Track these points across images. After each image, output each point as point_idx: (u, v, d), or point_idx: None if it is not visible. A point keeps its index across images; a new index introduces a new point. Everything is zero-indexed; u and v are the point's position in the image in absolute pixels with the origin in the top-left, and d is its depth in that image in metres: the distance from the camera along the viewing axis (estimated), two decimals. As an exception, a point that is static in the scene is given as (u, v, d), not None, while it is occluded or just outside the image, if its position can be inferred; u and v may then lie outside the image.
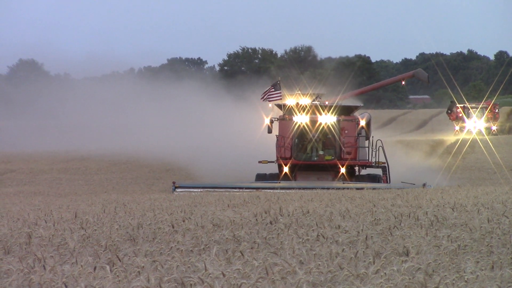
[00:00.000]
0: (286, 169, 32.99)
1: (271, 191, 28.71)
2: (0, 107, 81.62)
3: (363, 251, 10.31)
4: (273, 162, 33.48)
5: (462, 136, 74.45)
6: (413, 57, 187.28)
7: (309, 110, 33.60)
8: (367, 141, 34.09)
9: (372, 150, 33.81)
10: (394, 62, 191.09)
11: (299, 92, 34.50)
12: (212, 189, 30.09)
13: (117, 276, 8.99)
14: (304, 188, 29.21)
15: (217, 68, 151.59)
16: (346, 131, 33.43)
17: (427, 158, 53.08)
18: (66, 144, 66.79)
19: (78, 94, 75.51)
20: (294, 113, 33.57)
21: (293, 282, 8.59)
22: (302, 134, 33.57)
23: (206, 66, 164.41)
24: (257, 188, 30.09)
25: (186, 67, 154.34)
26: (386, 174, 34.14)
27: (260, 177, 33.28)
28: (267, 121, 33.48)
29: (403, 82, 41.81)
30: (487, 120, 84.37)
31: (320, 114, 33.55)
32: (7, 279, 8.91)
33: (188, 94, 62.07)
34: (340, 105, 33.82)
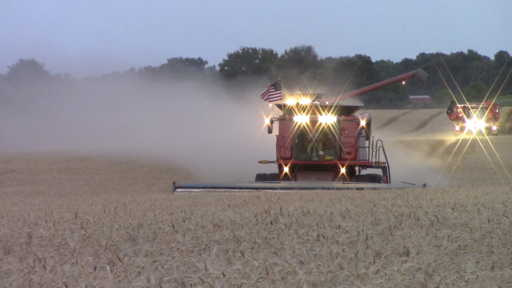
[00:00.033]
0: (286, 169, 32.98)
1: (271, 191, 28.70)
2: (0, 107, 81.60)
3: (364, 251, 10.31)
4: (273, 162, 33.47)
5: (462, 136, 74.47)
6: (414, 57, 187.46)
7: (309, 110, 33.59)
8: (367, 141, 34.08)
9: (372, 150, 33.80)
10: (395, 62, 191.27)
11: (299, 92, 34.49)
12: (212, 189, 30.08)
13: (118, 276, 8.99)
14: (304, 188, 29.20)
15: (218, 68, 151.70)
16: (346, 131, 33.42)
17: (427, 158, 53.08)
18: (66, 144, 66.82)
19: (78, 94, 75.51)
20: (294, 113, 33.57)
21: (294, 282, 8.59)
22: (302, 134, 33.56)
23: (206, 66, 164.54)
24: (257, 188, 30.08)
25: (186, 67, 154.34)
26: (386, 174, 34.13)
27: (260, 177, 33.27)
28: (267, 121, 33.48)
29: (403, 82, 41.79)
30: (487, 120, 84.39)
31: (320, 114, 33.54)
32: (8, 279, 8.91)
33: (188, 94, 62.06)
34: (340, 105, 33.81)
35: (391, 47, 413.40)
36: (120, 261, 9.99)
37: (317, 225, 13.42)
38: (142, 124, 63.21)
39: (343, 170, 32.81)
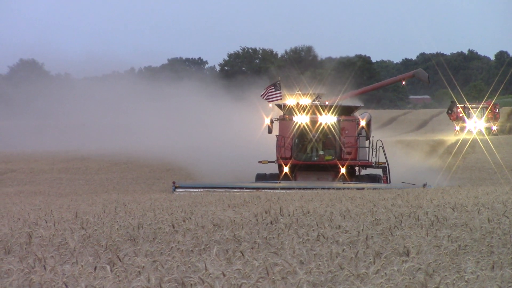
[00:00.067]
0: (286, 169, 32.98)
1: (272, 191, 28.70)
2: (0, 107, 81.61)
3: (364, 251, 10.31)
4: (273, 162, 33.47)
5: (462, 136, 74.46)
6: (414, 57, 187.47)
7: (309, 110, 33.59)
8: (367, 141, 34.08)
9: (372, 150, 33.80)
10: (395, 62, 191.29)
11: (299, 92, 34.49)
12: (212, 189, 30.08)
13: (118, 276, 9.00)
14: (304, 188, 29.20)
15: (218, 68, 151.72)
16: (346, 131, 33.42)
17: (428, 158, 53.08)
18: (67, 144, 66.82)
19: (78, 94, 75.47)
20: (294, 113, 33.57)
21: (294, 282, 8.59)
22: (302, 134, 33.57)
23: (206, 66, 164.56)
24: (257, 188, 30.08)
25: (186, 67, 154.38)
26: (387, 174, 34.13)
27: (260, 177, 33.27)
28: (267, 121, 33.48)
29: (404, 82, 41.79)
30: (488, 120, 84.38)
31: (320, 114, 33.54)
32: (8, 279, 8.91)
33: (188, 94, 62.08)
34: (340, 105, 33.81)
35: (391, 47, 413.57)
36: (120, 261, 9.99)
37: (317, 225, 13.42)
38: (142, 124, 63.19)
39: (343, 170, 32.80)
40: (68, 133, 72.73)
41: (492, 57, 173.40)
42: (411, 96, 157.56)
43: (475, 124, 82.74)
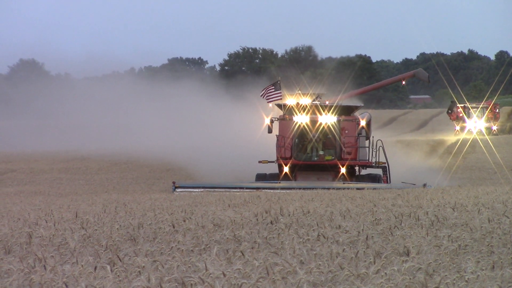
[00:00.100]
0: (286, 169, 32.97)
1: (272, 191, 28.70)
2: (1, 107, 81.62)
3: (364, 251, 10.31)
4: (273, 162, 33.47)
5: (462, 136, 74.45)
6: (414, 57, 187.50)
7: (309, 110, 33.59)
8: (368, 141, 34.08)
9: (372, 150, 33.80)
10: (395, 62, 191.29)
11: (300, 92, 34.48)
12: (212, 189, 30.08)
13: (118, 276, 9.00)
14: (304, 188, 29.19)
15: (218, 68, 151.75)
16: (346, 131, 33.42)
17: (428, 158, 53.08)
18: (67, 144, 66.83)
19: (78, 94, 75.47)
20: (294, 113, 33.57)
21: (294, 282, 8.58)
22: (302, 134, 33.56)
23: (206, 66, 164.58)
24: (257, 188, 30.08)
25: (186, 67, 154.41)
26: (387, 174, 34.13)
27: (260, 177, 33.27)
28: (267, 121, 33.48)
29: (404, 82, 41.80)
30: (488, 120, 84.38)
31: (321, 114, 33.54)
32: (8, 279, 8.91)
33: (188, 94, 62.07)
34: (340, 105, 33.80)
35: (392, 47, 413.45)
36: (121, 261, 9.99)
37: (317, 225, 13.42)
38: (142, 124, 63.19)
39: (343, 170, 32.80)
40: (68, 133, 72.72)
41: (492, 57, 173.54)
42: (411, 96, 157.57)
43: (475, 124, 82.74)
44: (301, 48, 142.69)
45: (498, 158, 48.24)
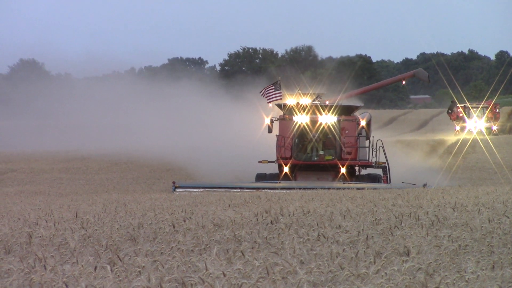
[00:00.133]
0: (286, 169, 32.97)
1: (272, 191, 28.69)
2: (1, 107, 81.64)
3: (364, 251, 10.31)
4: (273, 162, 33.47)
5: (462, 136, 74.44)
6: (414, 57, 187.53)
7: (310, 110, 33.59)
8: (368, 141, 34.08)
9: (372, 150, 33.80)
10: (395, 62, 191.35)
11: (300, 92, 34.48)
12: (212, 189, 30.08)
13: (118, 276, 8.99)
14: (304, 188, 29.18)
15: (218, 68, 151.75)
16: (346, 131, 33.42)
17: (428, 158, 53.08)
18: (67, 143, 66.87)
19: (78, 94, 75.49)
20: (295, 113, 33.57)
21: (294, 282, 8.58)
22: (302, 134, 33.56)
23: (207, 66, 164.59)
24: (257, 188, 30.07)
25: (187, 67, 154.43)
26: (387, 174, 34.13)
27: (260, 177, 33.27)
28: (267, 121, 33.48)
29: (404, 82, 41.79)
30: (488, 120, 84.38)
31: (321, 114, 33.54)
32: (8, 279, 8.91)
33: (188, 94, 62.06)
34: (340, 105, 33.80)
35: (392, 47, 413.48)
36: (121, 260, 9.99)
37: (317, 225, 13.42)
38: (142, 124, 63.19)
39: (343, 170, 32.80)
40: (68, 133, 72.74)
41: (493, 57, 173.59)
42: (412, 96, 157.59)
43: (476, 124, 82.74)
44: (301, 48, 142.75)
45: (498, 158, 48.24)
